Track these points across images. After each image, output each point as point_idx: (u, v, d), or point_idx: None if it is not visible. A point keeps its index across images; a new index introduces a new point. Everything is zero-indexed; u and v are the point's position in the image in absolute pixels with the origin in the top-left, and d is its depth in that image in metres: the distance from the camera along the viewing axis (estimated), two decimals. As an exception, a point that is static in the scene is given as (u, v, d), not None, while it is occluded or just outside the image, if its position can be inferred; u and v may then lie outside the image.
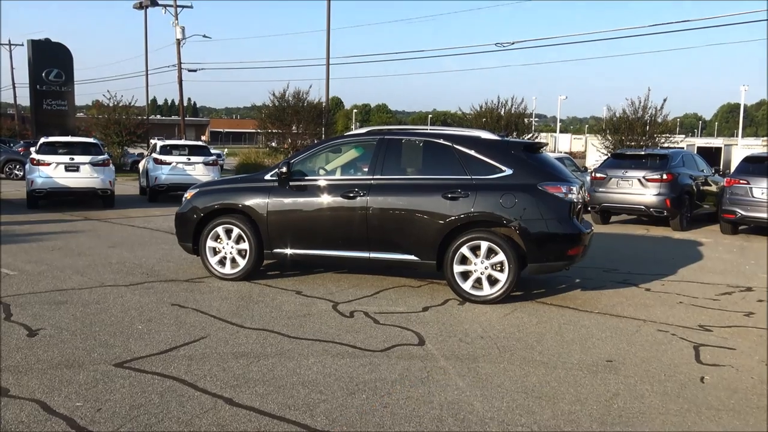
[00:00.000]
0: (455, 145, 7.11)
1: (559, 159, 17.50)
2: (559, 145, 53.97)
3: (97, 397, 4.00)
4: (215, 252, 7.65)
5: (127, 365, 4.60)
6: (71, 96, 34.49)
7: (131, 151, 33.29)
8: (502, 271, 6.69)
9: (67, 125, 31.80)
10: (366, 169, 7.40)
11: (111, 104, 32.64)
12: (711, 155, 29.84)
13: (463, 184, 6.88)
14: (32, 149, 17.58)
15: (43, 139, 16.27)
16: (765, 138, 44.56)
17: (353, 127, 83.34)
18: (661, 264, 9.48)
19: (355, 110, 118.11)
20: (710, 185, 15.25)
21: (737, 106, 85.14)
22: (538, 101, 75.05)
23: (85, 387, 4.16)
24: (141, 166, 20.78)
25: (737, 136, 52.22)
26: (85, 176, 15.35)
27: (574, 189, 6.97)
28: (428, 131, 7.68)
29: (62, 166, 15.13)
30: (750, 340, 5.74)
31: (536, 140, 7.51)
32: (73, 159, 15.26)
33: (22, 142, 34.75)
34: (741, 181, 13.04)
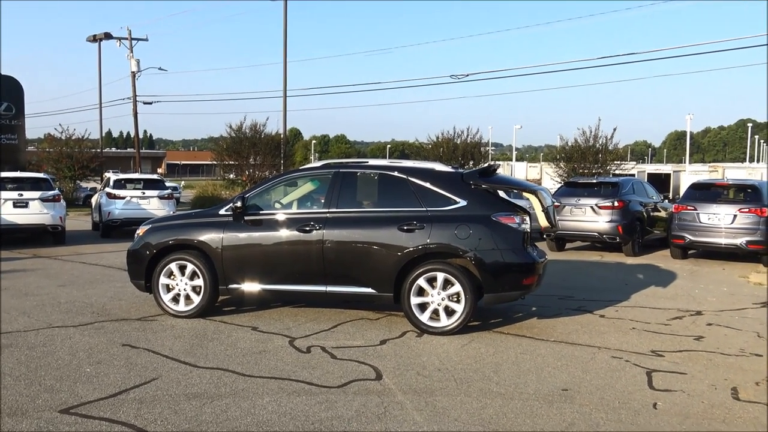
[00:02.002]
0: (410, 178, 7.17)
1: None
2: (515, 172, 54.93)
3: (41, 447, 3.84)
4: (169, 289, 7.49)
5: (74, 411, 4.44)
6: (22, 130, 33.51)
7: (84, 185, 32.59)
8: (458, 301, 6.72)
9: (17, 160, 30.85)
10: (322, 202, 7.40)
11: (63, 137, 32.01)
12: (661, 181, 30.78)
13: (418, 216, 6.93)
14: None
15: (-11, 175, 15.79)
16: (711, 164, 46.21)
17: (312, 158, 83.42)
18: (615, 290, 9.66)
19: (314, 141, 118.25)
20: (660, 211, 15.69)
21: (684, 133, 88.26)
22: (494, 130, 76.57)
23: (27, 436, 3.99)
24: (94, 200, 20.33)
25: (685, 162, 54.01)
26: (35, 212, 14.93)
27: (527, 218, 7.08)
28: (383, 164, 7.74)
29: (10, 203, 14.71)
30: (700, 364, 5.87)
31: (489, 164, 7.66)
32: (22, 195, 14.86)
33: (-32, 177, 33.65)
34: (688, 207, 13.45)
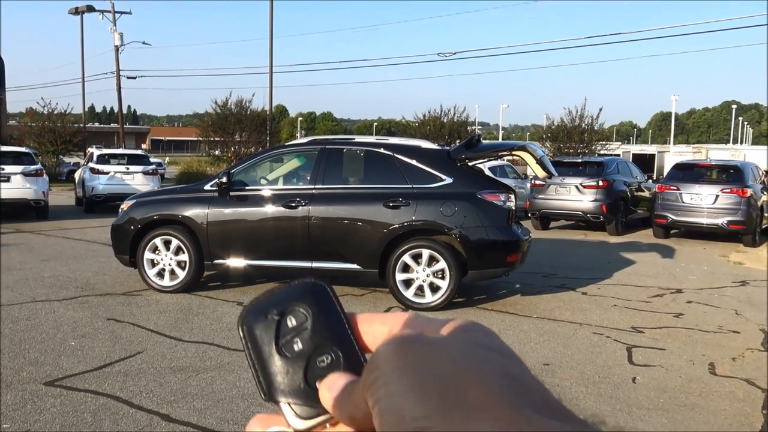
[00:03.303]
0: (396, 155, 7.17)
1: (501, 166, 17.88)
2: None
3: (26, 418, 3.85)
4: (153, 264, 7.48)
5: (59, 383, 4.45)
6: (2, 104, 33.06)
7: (67, 160, 32.20)
8: (443, 278, 6.78)
9: (-2, 134, 30.51)
10: (308, 179, 7.39)
11: (45, 112, 31.53)
12: (645, 161, 30.95)
13: (404, 193, 6.95)
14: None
15: (-30, 149, 15.57)
16: (695, 145, 46.56)
17: (298, 135, 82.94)
18: (598, 268, 9.77)
19: (300, 118, 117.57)
20: (643, 191, 15.83)
21: (669, 114, 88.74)
22: (481, 109, 76.41)
23: (12, 408, 4.00)
24: (77, 175, 20.12)
25: (670, 143, 54.38)
26: (17, 187, 14.75)
27: (512, 197, 7.13)
28: (369, 141, 7.73)
29: (-9, 177, 14.51)
30: (679, 340, 5.98)
31: (472, 135, 7.58)
32: (3, 169, 14.66)
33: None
34: (672, 187, 13.59)
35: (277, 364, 0.42)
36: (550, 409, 0.33)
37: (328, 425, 0.41)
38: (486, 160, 7.42)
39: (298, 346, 0.42)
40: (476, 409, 0.31)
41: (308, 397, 0.41)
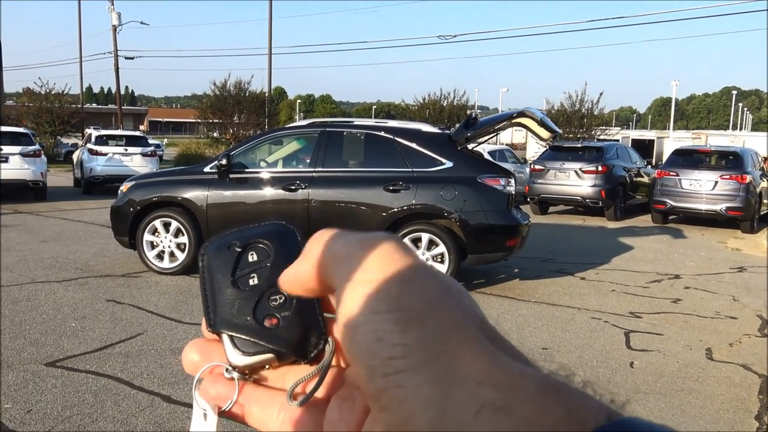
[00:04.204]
0: (396, 138, 7.15)
1: (500, 151, 17.86)
2: (501, 136, 54.88)
3: (27, 399, 3.87)
4: (153, 246, 7.48)
5: (60, 364, 4.47)
6: (0, 84, 32.93)
7: (65, 141, 32.07)
8: (442, 262, 6.79)
9: (-5, 114, 30.36)
10: (308, 162, 7.37)
11: (43, 92, 31.33)
12: (645, 147, 30.91)
13: (404, 176, 6.94)
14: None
15: (-32, 129, 15.49)
16: (695, 131, 46.49)
17: (296, 117, 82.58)
18: (596, 253, 9.80)
19: (299, 100, 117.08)
20: (642, 177, 15.83)
21: (669, 100, 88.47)
22: (480, 93, 76.15)
23: (14, 388, 4.03)
24: (75, 156, 20.05)
25: (669, 129, 54.29)
26: (15, 167, 14.71)
27: (512, 181, 7.12)
28: (370, 124, 7.71)
29: (-10, 158, 14.46)
30: (677, 325, 6.02)
31: (468, 114, 7.45)
32: (1, 149, 14.61)
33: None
34: (671, 173, 13.59)
35: (228, 294, 0.41)
36: (505, 347, 0.33)
37: (268, 366, 0.40)
38: (489, 136, 7.34)
39: (254, 281, 0.41)
40: (453, 349, 0.30)
41: (253, 332, 0.40)
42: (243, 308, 0.40)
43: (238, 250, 0.42)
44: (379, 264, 0.34)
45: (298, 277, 0.38)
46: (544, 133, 7.10)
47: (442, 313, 0.32)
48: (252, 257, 0.42)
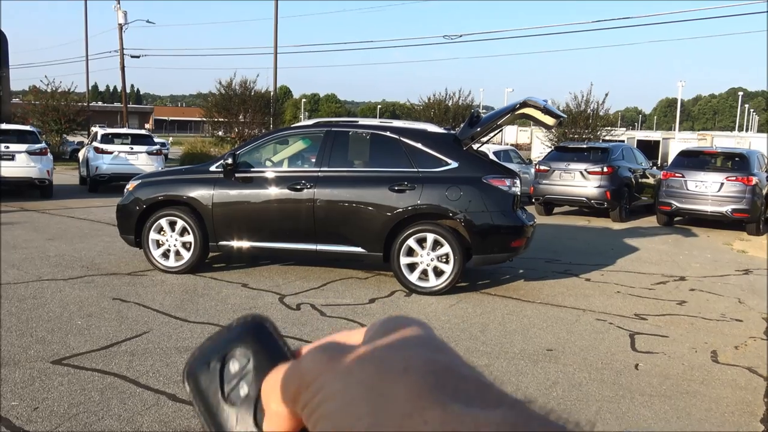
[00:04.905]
0: (402, 138, 7.16)
1: (505, 151, 17.84)
2: (505, 136, 54.81)
3: (34, 396, 3.89)
4: (159, 244, 7.50)
5: (66, 362, 4.49)
6: (6, 81, 32.84)
7: (71, 139, 32.14)
8: (447, 262, 6.80)
9: (1, 112, 30.38)
10: (313, 161, 7.39)
11: (49, 90, 31.41)
12: (650, 148, 30.84)
13: (409, 176, 6.95)
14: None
15: (-25, 127, 15.54)
16: (700, 132, 46.35)
17: (301, 116, 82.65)
18: (601, 255, 9.78)
19: (304, 99, 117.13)
20: (648, 178, 15.79)
21: (675, 100, 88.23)
22: (485, 93, 76.07)
23: (21, 385, 4.05)
24: (81, 155, 20.09)
25: (675, 130, 54.13)
26: (22, 165, 14.77)
27: (518, 182, 7.11)
28: (375, 124, 7.72)
29: (-4, 155, 14.51)
30: (682, 327, 6.00)
31: (471, 113, 7.41)
32: (8, 147, 14.67)
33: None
34: (677, 174, 13.55)
35: (226, 414, 0.41)
36: (481, 394, 0.33)
37: None
38: (495, 133, 7.32)
39: (243, 390, 0.41)
40: (404, 414, 0.31)
41: None
42: (244, 420, 0.41)
43: (219, 366, 0.42)
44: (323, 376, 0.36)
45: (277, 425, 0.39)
46: (549, 120, 7.03)
47: (394, 381, 0.33)
48: (234, 367, 0.42)
